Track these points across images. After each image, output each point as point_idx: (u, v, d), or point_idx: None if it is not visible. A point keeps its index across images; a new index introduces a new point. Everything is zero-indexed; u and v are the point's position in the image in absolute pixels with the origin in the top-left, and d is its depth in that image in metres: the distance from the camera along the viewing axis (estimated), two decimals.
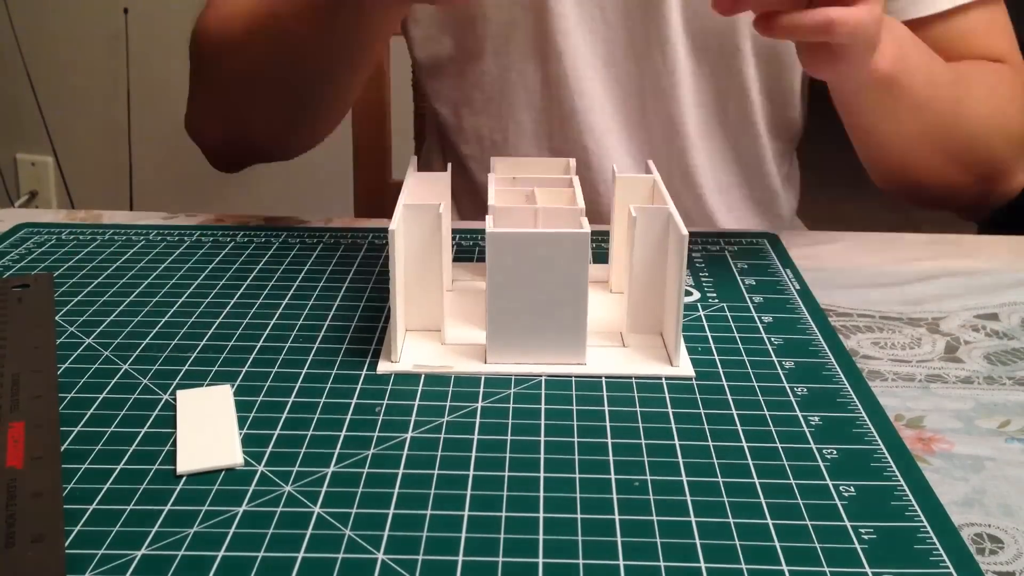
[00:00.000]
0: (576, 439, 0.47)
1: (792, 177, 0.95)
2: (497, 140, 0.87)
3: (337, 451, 0.46)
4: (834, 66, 0.61)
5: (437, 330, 0.56)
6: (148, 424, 0.48)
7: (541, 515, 0.41)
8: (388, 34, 0.78)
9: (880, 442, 0.47)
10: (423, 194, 0.60)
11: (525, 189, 0.58)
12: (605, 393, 0.51)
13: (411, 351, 0.54)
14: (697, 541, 0.40)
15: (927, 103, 0.71)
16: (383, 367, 0.53)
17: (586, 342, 0.53)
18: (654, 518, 0.41)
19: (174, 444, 0.46)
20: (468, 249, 0.69)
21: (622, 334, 0.56)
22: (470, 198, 0.92)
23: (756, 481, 0.44)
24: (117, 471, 0.44)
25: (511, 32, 0.83)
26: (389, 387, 0.51)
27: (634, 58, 0.83)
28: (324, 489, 0.43)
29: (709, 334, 0.57)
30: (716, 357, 0.54)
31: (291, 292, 0.62)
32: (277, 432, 0.47)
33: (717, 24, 0.80)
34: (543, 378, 0.52)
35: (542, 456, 0.45)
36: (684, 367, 0.53)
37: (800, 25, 0.57)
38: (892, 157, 0.76)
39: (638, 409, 0.49)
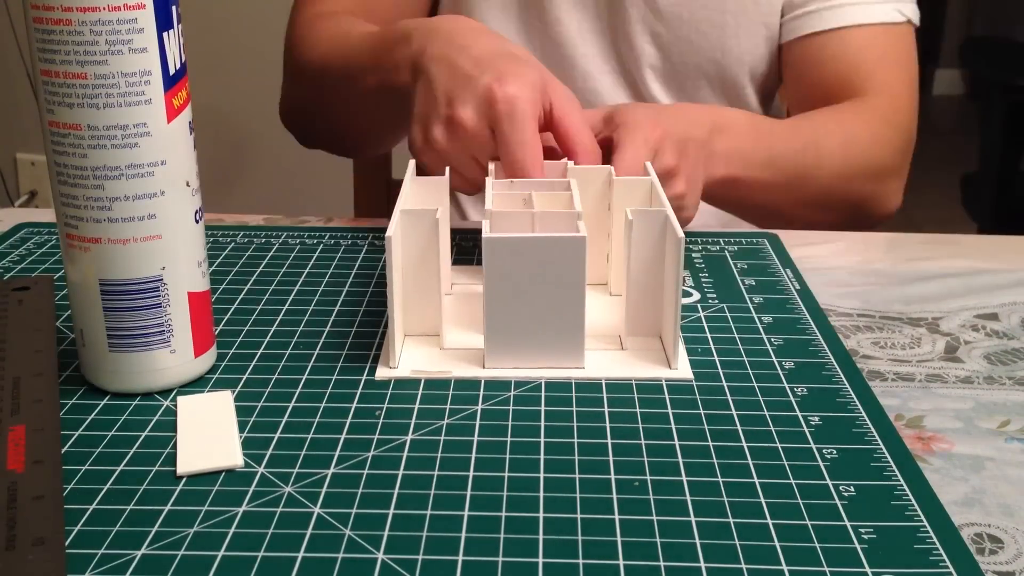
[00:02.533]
0: (576, 440, 0.47)
1: None
2: None
3: (337, 453, 0.46)
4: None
5: (436, 335, 0.56)
6: (148, 428, 0.48)
7: (541, 515, 0.41)
8: None
9: (880, 442, 0.47)
10: (421, 198, 0.60)
11: (523, 192, 0.58)
12: (605, 394, 0.51)
13: (409, 356, 0.54)
14: (697, 541, 0.40)
15: (776, 178, 0.77)
16: (381, 373, 0.53)
17: (584, 346, 0.53)
18: (654, 518, 0.41)
19: (174, 447, 0.46)
20: (468, 251, 0.69)
21: (621, 337, 0.56)
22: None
23: (756, 481, 0.44)
24: (117, 472, 0.44)
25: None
26: (389, 391, 0.51)
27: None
28: (324, 490, 0.43)
29: (709, 335, 0.57)
30: (716, 357, 0.54)
31: (291, 296, 0.62)
32: (277, 435, 0.47)
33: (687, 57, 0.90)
34: (543, 381, 0.52)
35: (542, 457, 0.45)
36: (683, 370, 0.53)
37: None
38: (775, 222, 0.80)
39: (638, 410, 0.49)
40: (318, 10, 0.88)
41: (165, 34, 0.47)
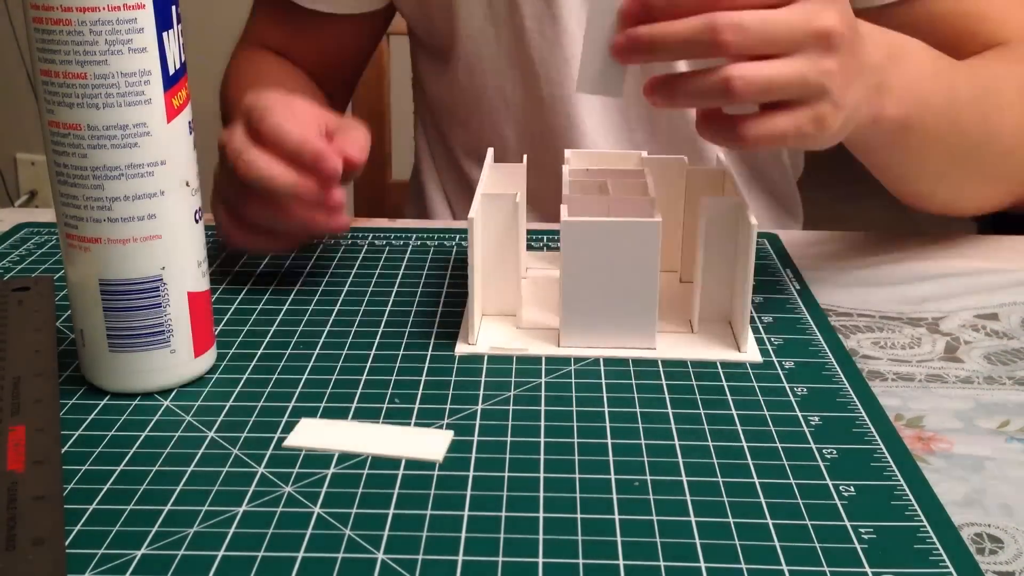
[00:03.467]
0: (576, 440, 0.47)
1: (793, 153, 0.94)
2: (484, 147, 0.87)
3: (337, 453, 0.46)
4: (785, 137, 0.51)
5: (512, 315, 0.58)
6: (148, 428, 0.48)
7: (541, 515, 0.41)
8: None
9: (880, 442, 0.47)
10: (501, 184, 0.62)
11: (598, 180, 0.59)
12: (605, 395, 0.51)
13: (486, 334, 0.57)
14: (697, 541, 0.40)
15: (952, 132, 0.64)
16: (460, 349, 0.55)
17: (656, 327, 0.55)
18: (654, 518, 0.41)
19: (175, 447, 0.46)
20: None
21: (691, 321, 0.58)
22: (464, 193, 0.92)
23: (756, 481, 0.44)
24: (117, 472, 0.44)
25: (483, 45, 0.83)
26: (389, 391, 0.51)
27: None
28: (324, 490, 0.43)
29: None
30: (716, 358, 0.54)
31: (291, 296, 0.62)
32: (277, 435, 0.47)
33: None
34: (543, 381, 0.52)
35: (542, 457, 0.45)
36: (752, 353, 0.54)
37: (694, 89, 0.50)
38: (920, 189, 0.69)
39: (638, 410, 0.49)
40: (243, 49, 0.89)
41: (165, 34, 0.47)
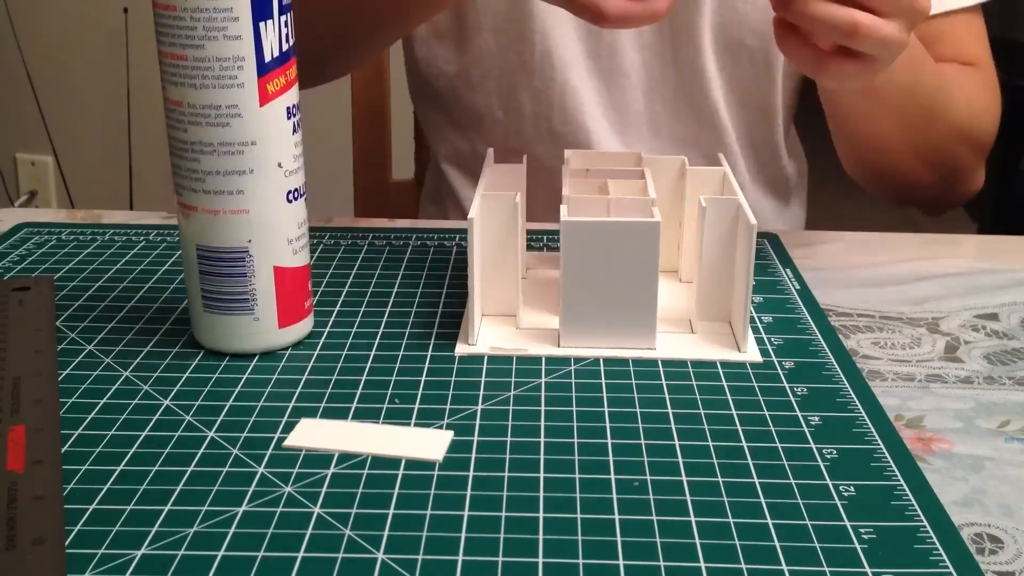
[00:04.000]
0: (576, 440, 0.47)
1: (793, 144, 0.95)
2: (498, 118, 0.87)
3: (337, 453, 0.46)
4: (844, 77, 0.59)
5: (512, 315, 0.58)
6: (148, 428, 0.48)
7: (541, 515, 0.41)
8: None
9: (880, 442, 0.47)
10: (500, 184, 0.62)
11: (598, 180, 0.60)
12: (605, 395, 0.51)
13: (485, 335, 0.57)
14: (697, 541, 0.40)
15: (908, 108, 0.73)
16: (461, 349, 0.55)
17: (656, 327, 0.55)
18: (654, 518, 0.41)
19: (175, 447, 0.46)
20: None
21: (691, 321, 0.58)
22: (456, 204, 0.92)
23: (756, 481, 0.44)
24: (117, 472, 0.44)
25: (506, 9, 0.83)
26: (389, 391, 0.51)
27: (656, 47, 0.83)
28: (324, 490, 0.43)
29: None
30: (716, 358, 0.54)
31: None
32: (277, 435, 0.47)
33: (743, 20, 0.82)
34: (543, 381, 0.52)
35: (542, 457, 0.45)
36: (752, 353, 0.54)
37: (825, 16, 0.55)
38: (867, 153, 0.77)
39: (638, 410, 0.49)
40: None
41: (263, 23, 0.50)
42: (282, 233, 0.53)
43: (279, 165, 0.52)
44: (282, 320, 0.54)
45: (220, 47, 0.49)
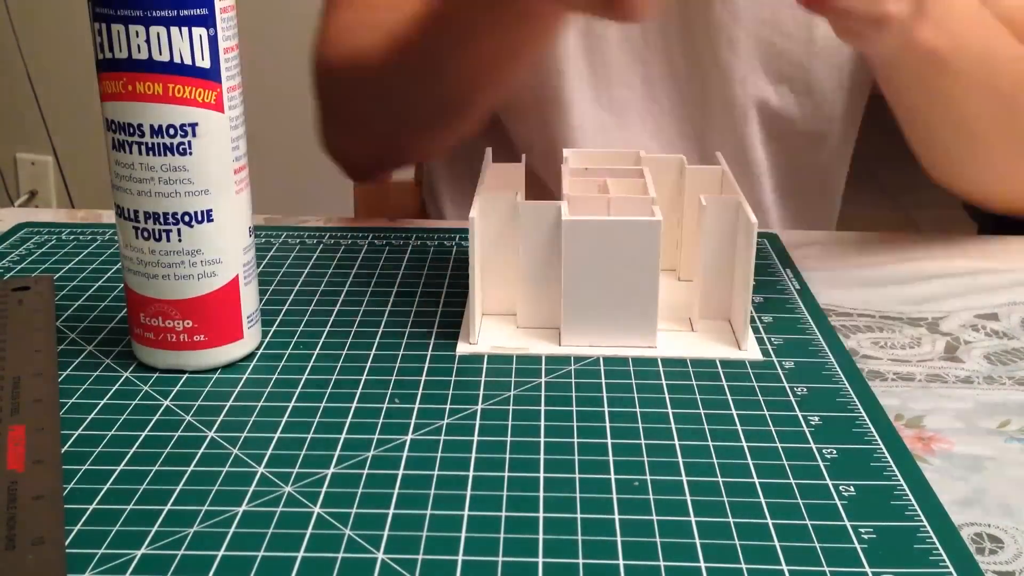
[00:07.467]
0: (576, 440, 0.47)
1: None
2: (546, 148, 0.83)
3: (337, 453, 0.46)
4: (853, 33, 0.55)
5: (512, 314, 0.58)
6: (148, 428, 0.48)
7: (541, 515, 0.41)
8: (542, 39, 0.69)
9: (880, 442, 0.47)
10: (500, 183, 0.62)
11: (598, 179, 0.60)
12: (605, 394, 0.51)
13: (486, 334, 0.57)
14: (697, 541, 0.40)
15: (992, 82, 0.62)
16: (462, 348, 0.55)
17: (657, 326, 0.55)
18: (654, 518, 0.41)
19: (175, 447, 0.46)
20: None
21: (691, 320, 0.58)
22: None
23: (756, 481, 0.44)
24: (117, 472, 0.44)
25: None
26: (388, 391, 0.51)
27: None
28: (324, 490, 0.43)
29: None
30: (716, 357, 0.54)
31: (291, 296, 0.62)
32: (277, 435, 0.47)
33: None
34: (543, 380, 0.52)
35: (542, 457, 0.45)
36: (752, 351, 0.54)
37: None
38: (955, 148, 0.67)
39: (637, 410, 0.49)
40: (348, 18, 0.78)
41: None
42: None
43: None
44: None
45: None
